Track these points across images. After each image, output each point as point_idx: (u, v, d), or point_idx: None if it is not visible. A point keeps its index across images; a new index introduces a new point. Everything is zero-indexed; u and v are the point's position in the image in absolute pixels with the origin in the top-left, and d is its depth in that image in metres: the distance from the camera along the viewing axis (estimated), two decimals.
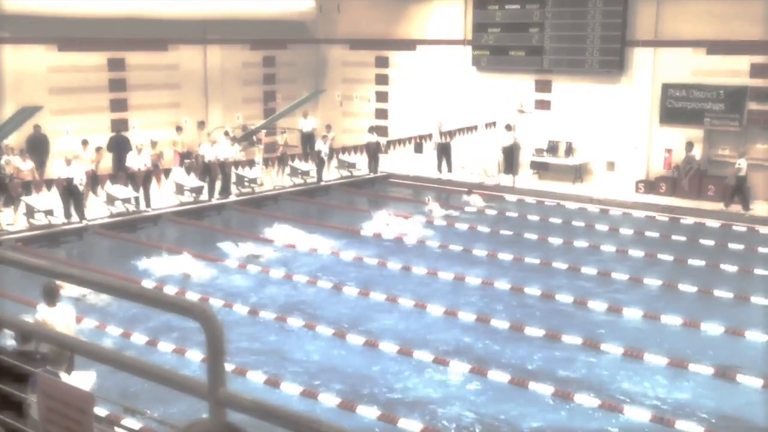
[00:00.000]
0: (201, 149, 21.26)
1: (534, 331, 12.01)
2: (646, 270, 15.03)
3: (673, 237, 17.38)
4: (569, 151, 23.10)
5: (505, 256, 15.98)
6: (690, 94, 21.04)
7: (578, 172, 22.94)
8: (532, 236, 17.56)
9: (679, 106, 21.25)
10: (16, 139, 19.90)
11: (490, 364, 10.90)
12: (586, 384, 10.42)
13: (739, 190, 19.35)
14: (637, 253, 16.20)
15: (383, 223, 18.50)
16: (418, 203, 20.96)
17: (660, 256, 15.86)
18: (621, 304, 13.15)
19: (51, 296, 9.10)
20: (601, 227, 18.42)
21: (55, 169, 18.89)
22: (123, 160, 20.53)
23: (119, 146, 21.30)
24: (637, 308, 12.95)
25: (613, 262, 15.62)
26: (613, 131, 22.27)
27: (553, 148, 23.33)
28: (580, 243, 16.96)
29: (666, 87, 21.39)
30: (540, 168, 23.64)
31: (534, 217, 19.44)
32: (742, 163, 19.23)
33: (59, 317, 8.91)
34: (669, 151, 21.53)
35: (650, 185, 21.54)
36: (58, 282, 9.06)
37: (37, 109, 18.59)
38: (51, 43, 21.13)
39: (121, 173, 19.41)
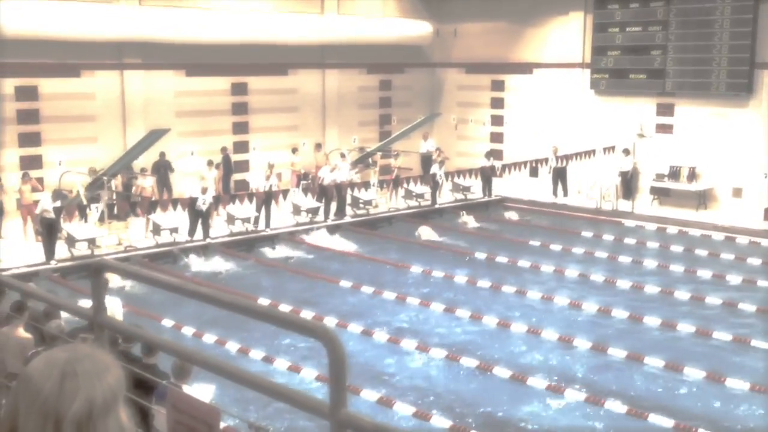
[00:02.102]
0: (321, 172, 21.72)
1: (653, 362, 11.60)
2: None
3: None
4: (692, 176, 22.29)
5: (624, 284, 15.53)
6: None
7: (702, 199, 22.09)
8: (651, 263, 17.01)
9: None
10: (144, 162, 20.88)
11: (607, 394, 10.58)
12: (707, 420, 9.96)
13: None
14: (765, 283, 15.43)
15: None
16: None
17: None
18: (748, 336, 12.54)
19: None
20: (727, 256, 17.64)
21: (186, 189, 19.76)
22: (229, 180, 21.48)
23: (226, 167, 22.15)
24: (765, 341, 12.31)
25: (739, 293, 14.92)
26: (740, 156, 21.35)
27: (674, 174, 22.57)
28: (704, 272, 16.29)
29: None
30: (660, 194, 22.91)
31: (654, 244, 18.83)
32: None
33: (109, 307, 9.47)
34: None
35: None
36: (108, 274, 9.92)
37: (165, 132, 19.42)
38: (179, 68, 22.10)
39: (242, 193, 20.06)
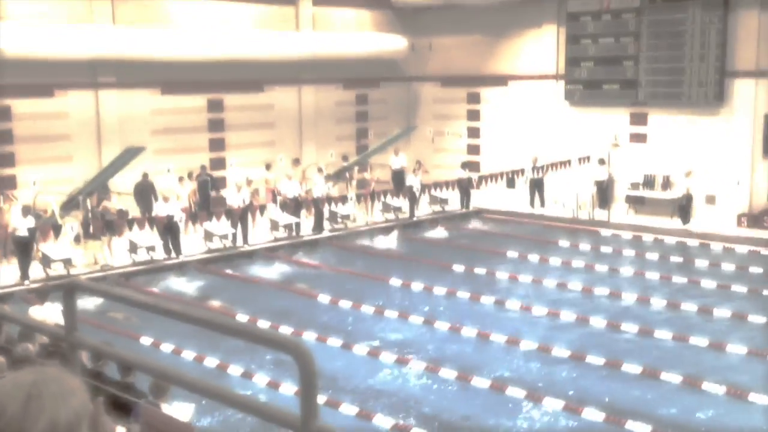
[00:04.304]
0: (280, 186, 21.59)
1: (631, 368, 11.69)
2: (750, 306, 14.47)
3: None
4: (666, 184, 22.53)
5: (601, 291, 15.66)
6: None
7: (676, 206, 22.32)
8: (628, 271, 17.16)
9: None
10: (125, 183, 20.62)
11: (586, 402, 10.64)
12: (686, 425, 10.05)
13: None
14: (740, 288, 15.62)
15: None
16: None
17: (765, 291, 15.24)
18: (723, 341, 12.67)
19: (42, 297, 11.21)
20: (701, 262, 17.85)
21: (155, 207, 19.59)
22: (207, 197, 21.26)
23: (202, 185, 21.94)
24: (741, 345, 12.46)
25: (714, 298, 15.10)
26: (713, 164, 21.61)
27: (649, 182, 22.81)
28: (679, 278, 16.47)
29: None
30: (635, 202, 23.12)
31: (630, 252, 19.00)
32: None
33: (48, 315, 10.18)
34: None
35: (754, 219, 20.76)
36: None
37: (140, 150, 19.28)
38: (154, 86, 22.05)
39: (219, 209, 19.97)
